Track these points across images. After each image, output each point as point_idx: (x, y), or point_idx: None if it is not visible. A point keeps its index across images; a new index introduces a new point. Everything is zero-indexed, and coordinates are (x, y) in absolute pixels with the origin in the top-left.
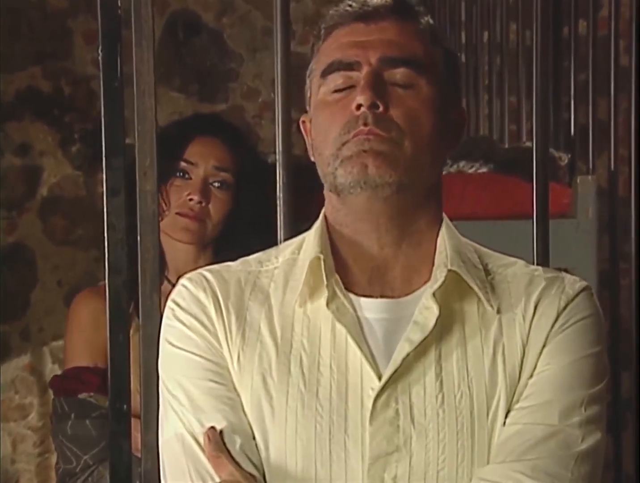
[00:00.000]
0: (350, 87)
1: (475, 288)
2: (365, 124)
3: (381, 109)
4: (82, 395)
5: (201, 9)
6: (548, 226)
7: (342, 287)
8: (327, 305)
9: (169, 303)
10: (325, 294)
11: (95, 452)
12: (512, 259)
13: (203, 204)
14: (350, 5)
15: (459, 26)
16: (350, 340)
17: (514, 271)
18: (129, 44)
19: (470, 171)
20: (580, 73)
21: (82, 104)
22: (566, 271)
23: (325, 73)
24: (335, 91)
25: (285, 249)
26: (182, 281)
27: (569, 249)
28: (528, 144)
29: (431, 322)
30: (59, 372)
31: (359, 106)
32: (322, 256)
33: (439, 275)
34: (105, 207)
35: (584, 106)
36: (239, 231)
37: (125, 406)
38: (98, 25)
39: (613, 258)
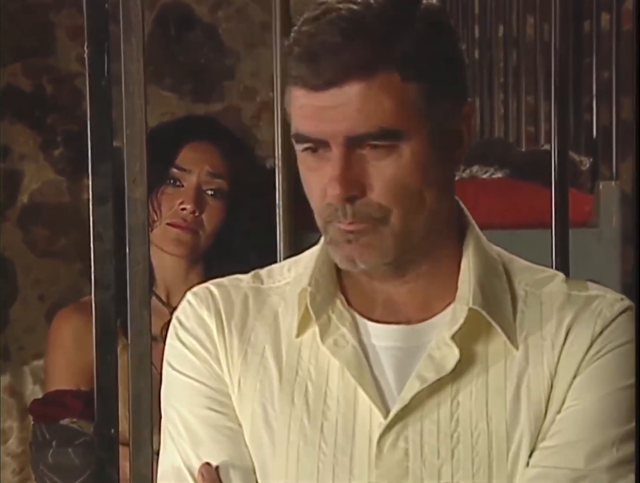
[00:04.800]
0: (325, 146)
1: (499, 329)
2: (345, 215)
3: (357, 197)
4: (64, 421)
5: (194, 2)
6: (568, 236)
7: (345, 310)
8: (322, 340)
9: (173, 320)
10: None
11: (79, 482)
12: (550, 272)
13: (197, 213)
14: (302, 61)
15: (472, 20)
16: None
17: (550, 289)
18: (117, 40)
19: (484, 176)
20: (603, 70)
21: (65, 104)
22: None
23: (294, 138)
24: (308, 150)
25: (300, 261)
26: (188, 295)
27: (591, 260)
28: (546, 147)
29: (450, 364)
30: (41, 394)
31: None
32: (309, 289)
33: (459, 314)
34: (91, 216)
35: (607, 106)
36: (234, 244)
37: (112, 431)
38: (84, 19)
39: (638, 270)
